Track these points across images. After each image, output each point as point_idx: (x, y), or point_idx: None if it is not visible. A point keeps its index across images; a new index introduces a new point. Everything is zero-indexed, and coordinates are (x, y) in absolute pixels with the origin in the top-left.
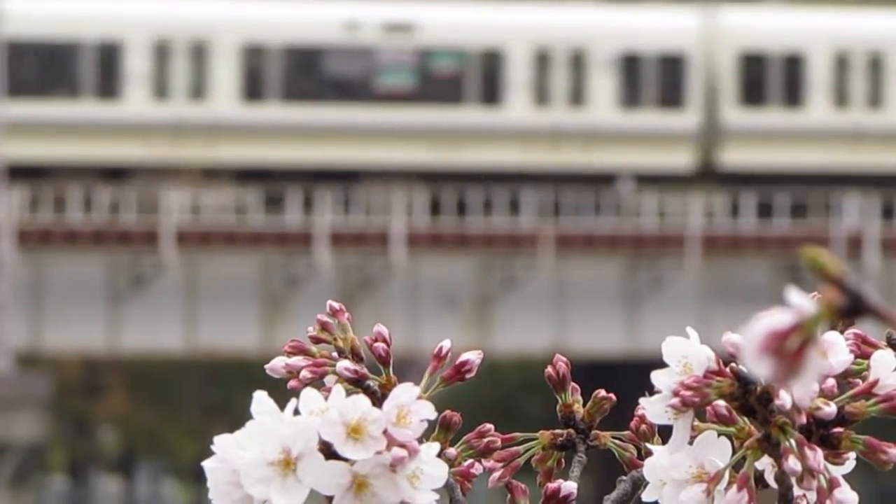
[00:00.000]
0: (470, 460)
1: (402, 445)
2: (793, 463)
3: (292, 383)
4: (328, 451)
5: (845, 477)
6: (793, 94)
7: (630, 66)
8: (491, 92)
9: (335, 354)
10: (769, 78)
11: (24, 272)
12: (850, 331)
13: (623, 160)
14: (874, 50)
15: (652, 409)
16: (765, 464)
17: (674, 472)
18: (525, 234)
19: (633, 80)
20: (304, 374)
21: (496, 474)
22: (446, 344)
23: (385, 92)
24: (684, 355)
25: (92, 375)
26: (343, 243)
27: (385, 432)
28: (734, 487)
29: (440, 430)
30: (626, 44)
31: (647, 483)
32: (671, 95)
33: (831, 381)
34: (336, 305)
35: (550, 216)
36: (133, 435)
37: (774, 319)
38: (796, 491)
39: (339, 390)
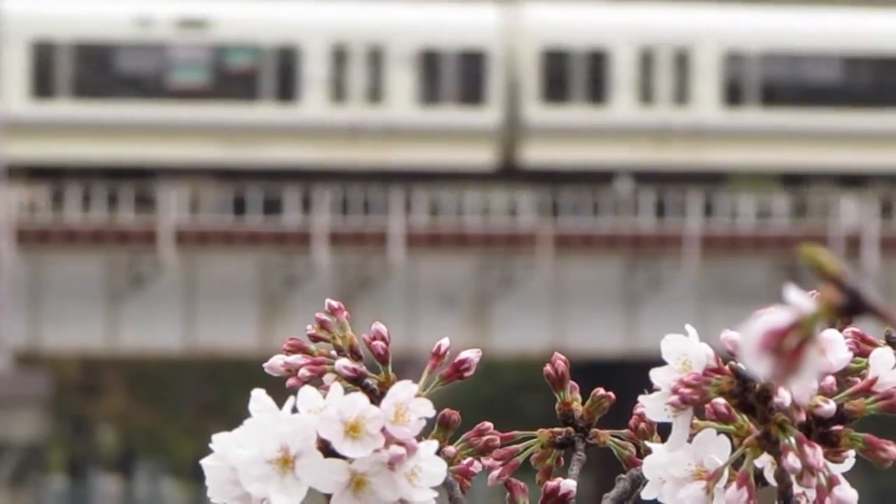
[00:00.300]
0: (469, 458)
1: (401, 443)
2: (792, 460)
3: (291, 381)
4: (326, 449)
5: (845, 475)
6: (597, 90)
7: (429, 63)
8: (287, 88)
9: (334, 353)
10: (572, 74)
11: (22, 271)
12: (849, 329)
13: (423, 157)
14: (680, 46)
15: (651, 406)
16: (764, 461)
17: (673, 469)
18: (523, 233)
19: (432, 77)
20: (303, 372)
21: (495, 472)
22: (445, 342)
23: (179, 88)
24: (683, 353)
25: (91, 375)
26: (342, 243)
27: (383, 430)
28: (734, 485)
29: (439, 429)
30: (425, 40)
31: (647, 481)
32: (472, 92)
33: (830, 379)
34: (335, 304)
35: (549, 215)
36: (132, 434)
37: (773, 317)
38: (796, 489)
39: (337, 388)
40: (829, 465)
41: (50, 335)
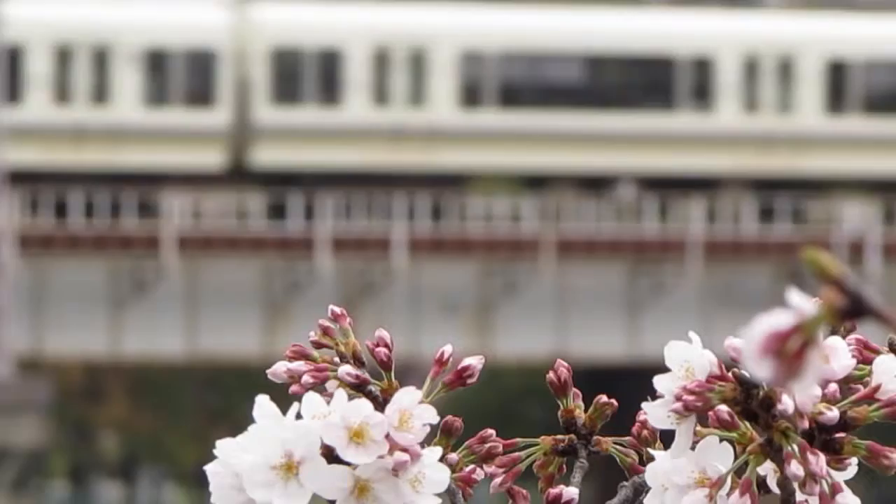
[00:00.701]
0: (472, 465)
1: (405, 449)
2: (795, 468)
3: (294, 388)
4: (330, 456)
5: (847, 482)
6: (329, 91)
7: (156, 63)
8: (11, 90)
9: (337, 359)
10: (304, 75)
11: (25, 277)
12: (852, 336)
13: (150, 159)
14: (415, 46)
15: (654, 413)
16: (767, 469)
17: (675, 477)
18: (526, 239)
19: (159, 77)
20: (306, 378)
21: (498, 480)
22: (448, 349)
23: None
24: (686, 360)
25: (93, 380)
26: (344, 249)
27: (387, 436)
28: (736, 493)
29: (442, 436)
30: (151, 39)
31: (649, 488)
32: (200, 93)
33: (833, 386)
34: (338, 310)
35: (552, 221)
36: (134, 440)
37: (775, 320)
38: (799, 496)
39: (341, 394)
40: (832, 472)
41: (52, 341)
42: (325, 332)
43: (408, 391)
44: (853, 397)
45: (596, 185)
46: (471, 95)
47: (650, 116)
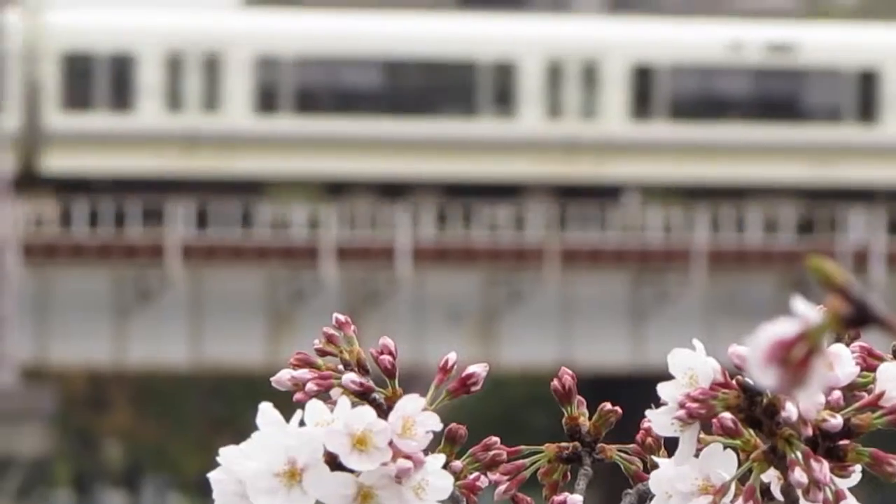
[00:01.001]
0: (476, 473)
1: (408, 457)
2: (799, 475)
3: (298, 396)
4: (334, 463)
5: (851, 489)
6: (122, 97)
7: None
8: None
9: (341, 367)
10: (96, 80)
11: (29, 286)
12: (857, 344)
13: None
14: (209, 51)
15: (658, 421)
16: (771, 476)
17: (679, 484)
18: (531, 248)
19: None
20: (310, 386)
21: (502, 487)
22: (452, 356)
23: None
24: (690, 367)
25: (97, 389)
26: (349, 257)
27: (391, 443)
28: (740, 500)
29: (446, 443)
30: None
31: (653, 496)
32: None
33: (837, 394)
34: (342, 318)
35: (556, 230)
36: (138, 449)
37: (780, 328)
38: (802, 503)
39: (344, 401)
40: (836, 479)
41: (57, 350)
42: (330, 339)
43: (411, 398)
44: (857, 405)
45: (396, 191)
46: (266, 101)
47: (451, 122)
